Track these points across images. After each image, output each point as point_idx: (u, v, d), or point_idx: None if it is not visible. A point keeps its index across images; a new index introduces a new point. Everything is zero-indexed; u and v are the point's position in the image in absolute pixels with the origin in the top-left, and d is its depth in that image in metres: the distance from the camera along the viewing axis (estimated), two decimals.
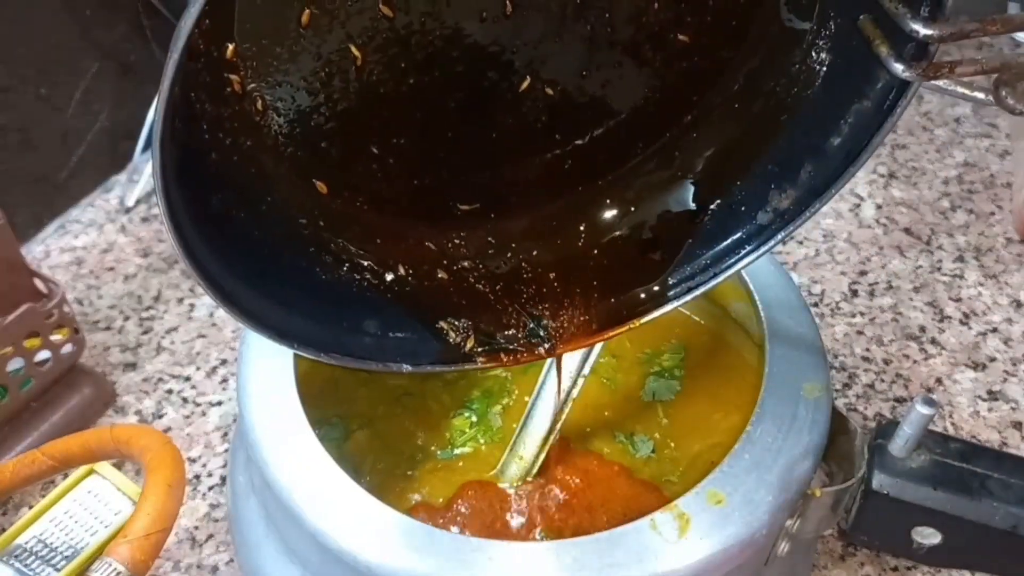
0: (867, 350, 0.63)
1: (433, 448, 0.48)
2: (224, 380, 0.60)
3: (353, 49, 0.37)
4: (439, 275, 0.43)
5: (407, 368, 0.41)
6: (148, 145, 0.74)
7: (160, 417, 0.58)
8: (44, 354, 0.54)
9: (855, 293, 0.67)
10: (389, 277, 0.42)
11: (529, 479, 0.45)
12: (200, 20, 0.27)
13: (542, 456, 0.45)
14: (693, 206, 0.44)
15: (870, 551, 0.51)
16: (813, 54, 0.39)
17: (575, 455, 0.47)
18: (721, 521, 0.38)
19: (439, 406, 0.49)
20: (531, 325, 0.43)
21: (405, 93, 0.39)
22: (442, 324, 0.42)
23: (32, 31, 0.64)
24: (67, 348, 0.56)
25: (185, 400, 0.59)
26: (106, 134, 0.72)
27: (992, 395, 0.60)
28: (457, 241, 0.44)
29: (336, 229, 0.41)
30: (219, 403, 0.59)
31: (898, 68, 0.32)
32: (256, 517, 0.45)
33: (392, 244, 0.42)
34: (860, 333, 0.64)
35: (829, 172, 0.39)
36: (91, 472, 0.51)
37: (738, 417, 0.44)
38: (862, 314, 0.65)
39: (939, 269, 0.69)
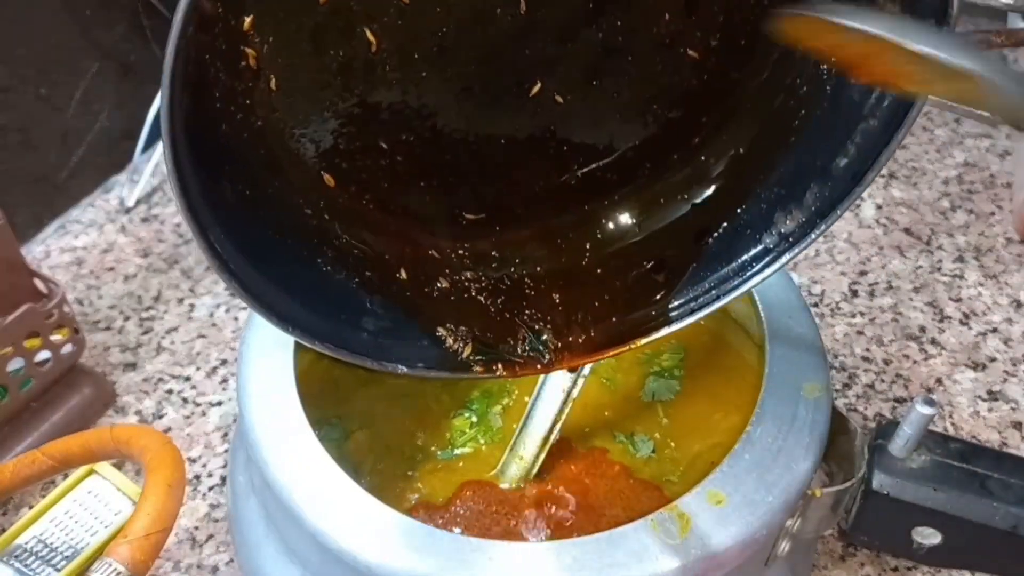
0: (867, 350, 0.63)
1: (433, 448, 0.48)
2: (224, 380, 0.60)
3: (368, 34, 0.37)
4: (441, 283, 0.43)
5: (403, 369, 0.41)
6: (149, 144, 0.75)
7: (160, 417, 0.58)
8: (44, 354, 0.54)
9: (855, 293, 0.67)
10: (390, 279, 0.42)
11: (529, 479, 0.45)
12: None
13: (542, 456, 0.45)
14: (699, 228, 0.44)
15: (870, 551, 0.51)
16: (820, 72, 0.39)
17: (575, 455, 0.47)
18: (721, 521, 0.38)
19: (439, 406, 0.49)
20: (531, 339, 0.43)
21: (417, 87, 0.39)
22: (441, 330, 0.42)
23: (32, 31, 0.64)
24: (67, 348, 0.56)
25: (185, 400, 0.59)
26: (106, 134, 0.72)
27: (992, 395, 0.60)
28: (461, 251, 0.44)
29: (341, 224, 0.41)
30: (219, 403, 0.59)
31: None
32: (256, 517, 0.45)
33: (396, 247, 0.42)
34: (860, 333, 0.64)
35: (836, 194, 0.39)
36: (91, 472, 0.51)
37: (738, 417, 0.44)
38: (862, 314, 0.65)
39: (939, 269, 0.69)
